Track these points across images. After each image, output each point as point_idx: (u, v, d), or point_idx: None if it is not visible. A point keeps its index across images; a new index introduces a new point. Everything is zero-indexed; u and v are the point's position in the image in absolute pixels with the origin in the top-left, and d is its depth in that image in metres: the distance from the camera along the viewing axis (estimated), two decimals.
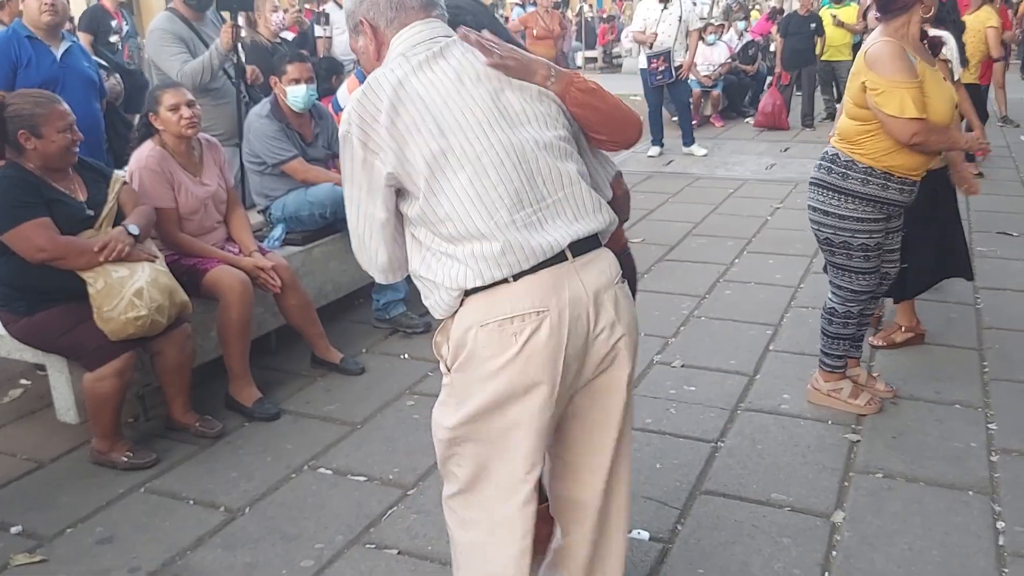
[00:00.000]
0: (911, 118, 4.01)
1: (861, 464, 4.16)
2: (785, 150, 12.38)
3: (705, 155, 11.97)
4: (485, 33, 2.47)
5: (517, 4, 19.65)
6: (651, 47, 11.51)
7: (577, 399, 2.51)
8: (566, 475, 2.66)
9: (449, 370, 2.45)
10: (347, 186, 2.44)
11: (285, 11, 7.82)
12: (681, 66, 11.64)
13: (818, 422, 4.55)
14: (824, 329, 4.64)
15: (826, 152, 4.44)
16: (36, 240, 4.06)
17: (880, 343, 5.47)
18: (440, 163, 2.28)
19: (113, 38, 9.15)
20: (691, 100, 14.52)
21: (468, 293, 2.33)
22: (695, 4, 12.24)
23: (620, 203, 2.83)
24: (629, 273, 3.01)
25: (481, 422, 2.39)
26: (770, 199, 9.47)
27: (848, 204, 4.29)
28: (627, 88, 11.54)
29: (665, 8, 11.48)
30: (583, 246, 2.38)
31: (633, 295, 3.07)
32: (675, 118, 14.42)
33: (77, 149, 4.30)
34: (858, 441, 4.36)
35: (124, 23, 9.44)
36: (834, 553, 3.53)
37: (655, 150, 12.13)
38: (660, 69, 11.45)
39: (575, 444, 2.60)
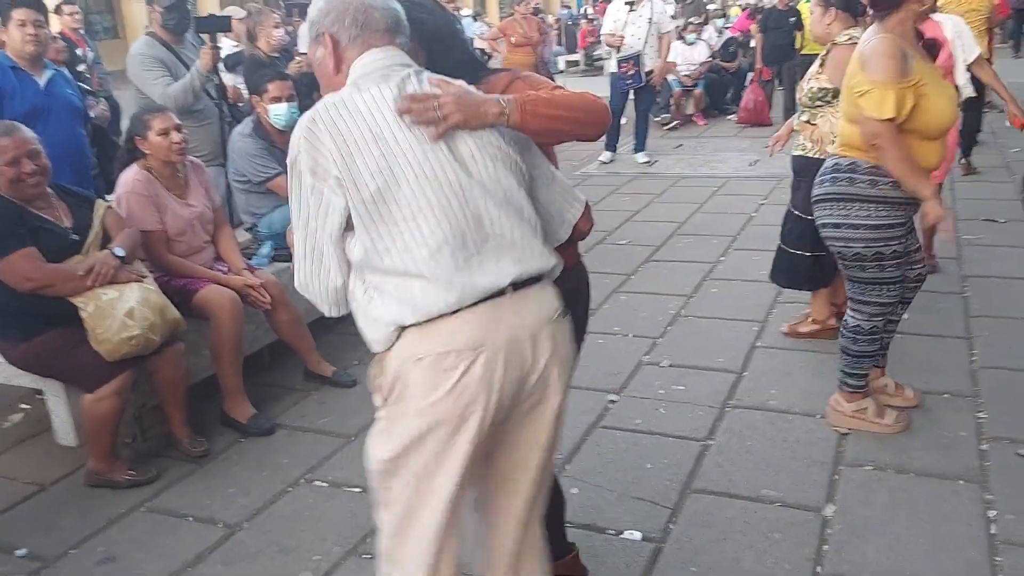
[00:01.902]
0: (882, 119, 3.84)
1: (850, 457, 4.21)
2: (768, 146, 12.36)
3: (647, 163, 11.73)
4: (426, 78, 2.42)
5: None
6: (619, 51, 11.29)
7: (506, 427, 2.48)
8: (486, 498, 2.65)
9: (385, 401, 2.43)
10: (295, 216, 2.40)
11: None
12: (652, 71, 11.34)
13: (807, 417, 4.60)
14: (847, 349, 4.38)
15: (825, 166, 4.27)
16: (22, 270, 4.11)
17: (786, 331, 5.64)
18: (385, 198, 2.26)
19: (81, 67, 9.11)
20: (671, 101, 14.58)
21: (405, 327, 2.31)
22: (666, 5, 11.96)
23: (582, 231, 2.80)
24: (583, 287, 3.04)
25: (412, 455, 2.36)
26: (754, 196, 9.52)
27: (880, 211, 4.05)
28: (609, 90, 11.63)
29: (632, 10, 11.19)
30: (524, 283, 2.38)
31: (587, 309, 3.11)
32: (657, 119, 14.49)
33: (35, 180, 4.25)
34: (847, 434, 4.41)
35: (89, 50, 9.39)
36: (825, 546, 3.58)
37: (607, 155, 11.91)
38: (629, 74, 11.17)
39: (497, 468, 2.59)
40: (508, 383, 2.34)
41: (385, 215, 2.27)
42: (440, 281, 2.27)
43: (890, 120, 3.84)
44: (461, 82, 2.47)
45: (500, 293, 2.32)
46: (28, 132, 4.33)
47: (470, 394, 2.28)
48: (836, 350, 5.08)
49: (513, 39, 12.74)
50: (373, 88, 2.33)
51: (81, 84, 8.32)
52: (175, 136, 4.86)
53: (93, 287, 4.19)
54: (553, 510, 3.12)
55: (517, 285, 2.35)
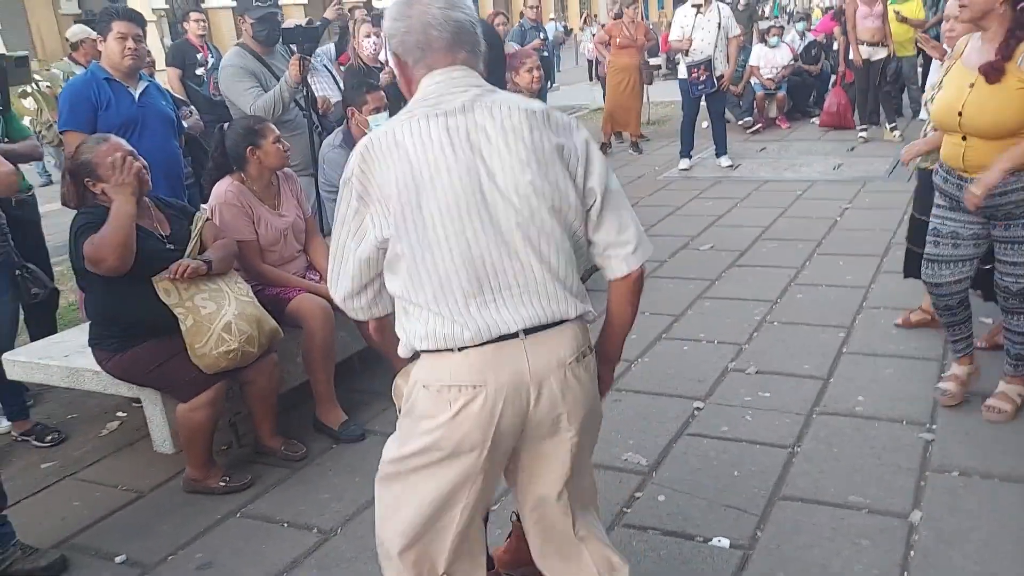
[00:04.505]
0: None
1: (936, 463, 4.18)
2: (851, 149, 12.24)
3: (730, 167, 11.68)
4: (491, 101, 2.45)
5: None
6: (687, 55, 11.27)
7: (521, 460, 2.61)
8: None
9: (400, 411, 2.59)
10: (336, 226, 2.51)
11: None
12: (723, 76, 11.31)
13: (893, 423, 4.58)
14: None
15: None
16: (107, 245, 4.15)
17: (900, 323, 5.71)
18: (410, 231, 2.34)
19: (199, 71, 9.45)
20: (754, 104, 14.51)
21: (420, 351, 2.43)
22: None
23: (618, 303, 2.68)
24: None
25: (408, 466, 2.50)
26: (838, 200, 9.42)
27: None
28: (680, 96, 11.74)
29: (699, 14, 11.16)
30: (540, 327, 2.41)
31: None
32: (740, 122, 14.42)
33: (146, 177, 4.37)
34: (932, 440, 4.38)
35: (210, 55, 9.72)
36: (912, 553, 3.56)
37: (685, 162, 11.85)
38: (701, 79, 11.15)
39: (521, 494, 2.74)
40: (507, 423, 2.40)
41: (408, 251, 2.36)
42: (450, 319, 2.35)
43: None
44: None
45: (511, 335, 2.37)
46: (119, 139, 4.45)
47: (466, 429, 2.38)
48: (921, 355, 5.18)
49: (618, 40, 12.82)
50: (422, 121, 2.38)
51: (197, 88, 8.65)
52: (285, 144, 5.05)
53: (179, 278, 4.27)
54: None
55: (531, 330, 2.39)
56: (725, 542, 3.73)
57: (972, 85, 4.13)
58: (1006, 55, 4.02)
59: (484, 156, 2.36)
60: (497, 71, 2.78)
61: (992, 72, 4.04)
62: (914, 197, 5.65)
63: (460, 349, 2.36)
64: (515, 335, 2.37)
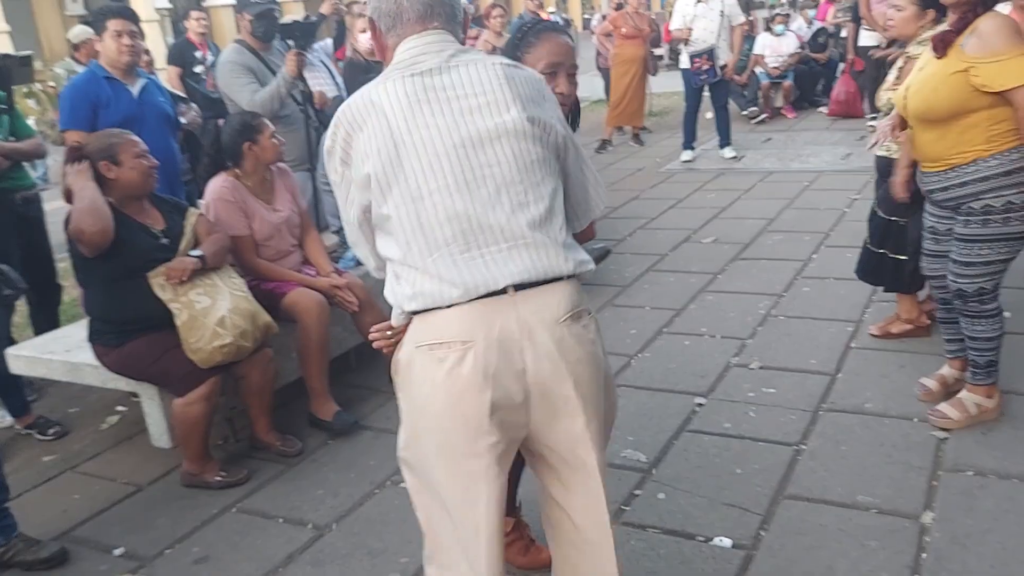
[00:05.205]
0: None
1: (950, 462, 4.09)
2: (861, 139, 12.02)
3: (734, 158, 11.52)
4: (461, 60, 2.46)
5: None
6: (687, 44, 11.11)
7: (539, 440, 2.49)
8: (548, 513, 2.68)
9: (395, 383, 2.52)
10: (336, 193, 2.51)
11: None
12: (726, 65, 11.14)
13: (904, 420, 4.48)
14: None
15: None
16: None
17: (876, 332, 5.50)
18: (392, 190, 2.33)
19: (198, 68, 9.48)
20: (759, 94, 14.40)
21: (411, 312, 2.38)
22: None
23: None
24: None
25: (420, 444, 2.43)
26: (847, 190, 9.27)
27: None
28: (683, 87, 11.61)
29: (700, 2, 11.00)
30: (531, 283, 2.35)
31: None
32: (744, 112, 14.33)
33: (156, 175, 4.47)
34: (946, 439, 4.28)
35: (209, 54, 9.76)
36: (924, 555, 3.48)
37: (687, 154, 11.70)
38: (704, 69, 10.95)
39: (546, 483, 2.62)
40: (503, 380, 2.31)
41: (391, 208, 2.34)
42: (439, 277, 2.31)
43: None
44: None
45: (500, 291, 2.32)
46: (135, 137, 4.50)
47: (461, 387, 2.30)
48: (933, 350, 5.03)
49: (624, 30, 12.76)
50: (397, 83, 2.38)
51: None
52: (280, 139, 5.06)
53: (176, 281, 4.31)
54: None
55: (521, 286, 2.33)
56: (727, 542, 3.66)
57: (921, 69, 4.10)
58: (959, 27, 3.93)
59: (464, 110, 2.36)
60: None
61: (941, 44, 3.96)
62: (877, 189, 5.47)
63: (449, 306, 2.31)
64: (504, 291, 2.32)
